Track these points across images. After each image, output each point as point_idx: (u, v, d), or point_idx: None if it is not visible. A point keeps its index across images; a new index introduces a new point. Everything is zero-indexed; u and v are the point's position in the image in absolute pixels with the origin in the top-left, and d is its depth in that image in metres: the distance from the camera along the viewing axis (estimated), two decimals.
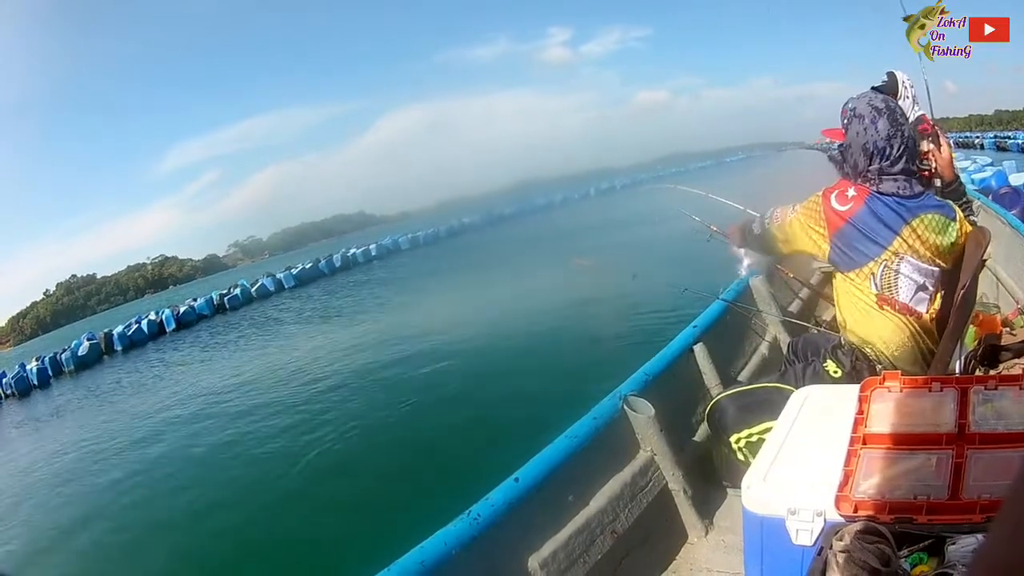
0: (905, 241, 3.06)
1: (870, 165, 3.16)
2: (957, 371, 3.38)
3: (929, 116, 5.37)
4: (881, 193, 3.12)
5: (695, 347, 4.44)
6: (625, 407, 3.60)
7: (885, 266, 3.08)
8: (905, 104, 5.35)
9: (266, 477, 10.91)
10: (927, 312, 3.14)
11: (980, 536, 1.63)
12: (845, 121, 3.30)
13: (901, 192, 3.12)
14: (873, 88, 5.27)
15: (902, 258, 3.07)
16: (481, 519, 2.71)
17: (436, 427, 10.83)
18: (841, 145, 3.36)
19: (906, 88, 5.38)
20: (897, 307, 3.09)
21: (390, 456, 10.21)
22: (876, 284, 3.11)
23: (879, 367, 3.10)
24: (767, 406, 3.19)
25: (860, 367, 3.17)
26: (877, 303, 3.12)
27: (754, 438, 3.35)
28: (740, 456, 3.44)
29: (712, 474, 3.86)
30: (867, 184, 3.17)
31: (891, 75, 5.28)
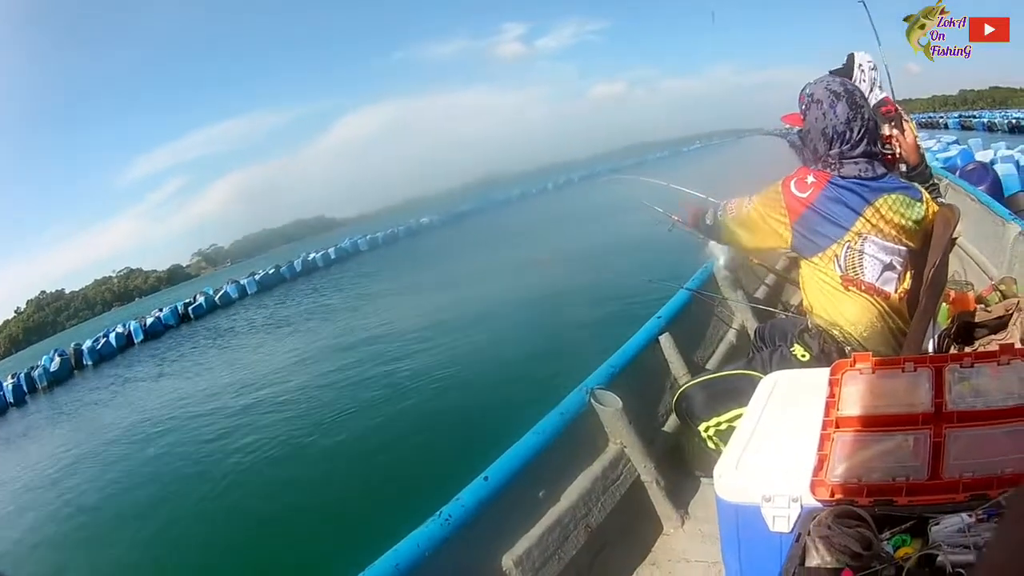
0: (868, 221, 3.04)
1: (830, 150, 3.14)
2: (931, 350, 3.38)
3: (891, 98, 5.39)
4: (843, 177, 3.09)
5: (661, 337, 4.46)
6: (592, 401, 3.61)
7: (848, 247, 3.06)
8: (862, 86, 5.37)
9: (233, 484, 10.95)
10: (896, 292, 3.12)
11: (965, 515, 1.60)
12: (803, 107, 3.28)
13: (863, 175, 3.09)
14: (831, 72, 5.28)
15: (865, 238, 3.05)
16: (452, 519, 2.71)
17: (401, 429, 10.85)
18: (800, 131, 3.35)
19: (863, 71, 5.39)
20: (863, 287, 3.08)
21: (357, 461, 10.20)
22: (840, 266, 3.08)
23: (848, 349, 3.08)
24: (735, 393, 3.22)
25: (828, 350, 3.15)
26: (842, 284, 3.10)
27: (723, 426, 3.35)
28: (711, 445, 3.43)
29: (684, 464, 3.88)
30: (828, 169, 3.14)
31: (850, 57, 5.32)
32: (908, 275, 3.17)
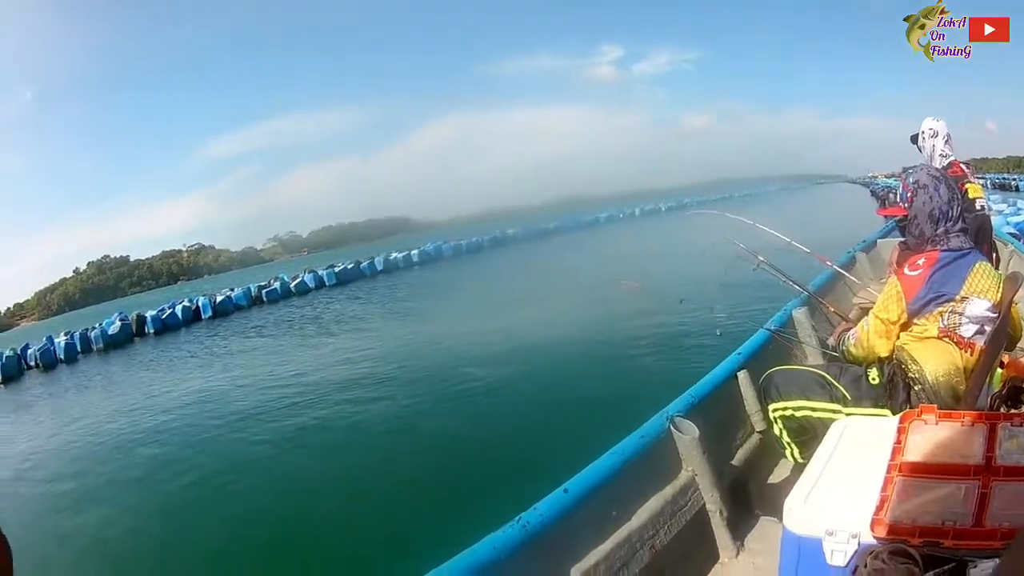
0: (971, 286, 3.33)
1: (937, 230, 3.50)
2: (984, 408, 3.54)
3: (958, 160, 5.57)
4: (949, 249, 3.44)
5: (739, 374, 4.56)
6: (671, 427, 3.71)
7: (952, 310, 3.33)
8: (926, 146, 5.60)
9: (311, 475, 10.82)
10: (978, 349, 3.35)
11: (999, 560, 1.77)
12: (909, 195, 3.61)
13: (964, 245, 3.46)
14: (910, 138, 5.55)
15: (968, 301, 3.32)
16: (530, 527, 2.80)
17: (480, 437, 10.56)
18: (901, 220, 3.73)
19: (924, 137, 5.59)
20: (955, 339, 3.33)
21: (435, 461, 9.92)
22: (944, 324, 3.35)
23: (916, 387, 3.36)
24: (805, 387, 3.72)
25: (897, 381, 3.44)
26: (939, 335, 3.36)
27: (788, 412, 3.77)
28: (775, 429, 3.85)
29: (747, 498, 3.98)
30: (936, 247, 3.48)
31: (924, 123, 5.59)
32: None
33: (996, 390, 3.21)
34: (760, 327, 5.25)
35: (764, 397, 3.94)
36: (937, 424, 2.39)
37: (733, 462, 4.23)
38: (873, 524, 2.05)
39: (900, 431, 2.41)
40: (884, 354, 3.58)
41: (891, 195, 3.90)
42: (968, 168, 5.71)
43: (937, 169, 3.70)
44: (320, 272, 55.25)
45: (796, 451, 3.79)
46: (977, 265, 3.40)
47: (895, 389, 3.43)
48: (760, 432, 4.41)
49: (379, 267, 58.93)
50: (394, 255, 62.75)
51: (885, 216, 4.22)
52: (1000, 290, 3.38)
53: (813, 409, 3.68)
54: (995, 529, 1.91)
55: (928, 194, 3.52)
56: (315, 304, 41.79)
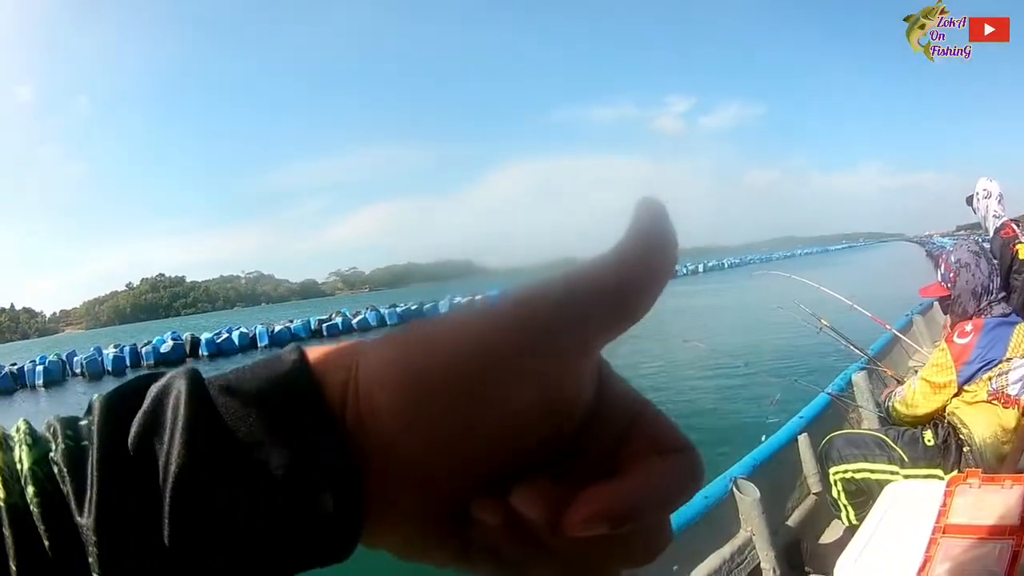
0: (1016, 348, 3.52)
1: (980, 304, 3.69)
2: None
3: (1009, 220, 5.64)
4: (994, 316, 3.64)
5: (799, 437, 4.62)
6: (734, 489, 3.82)
7: (1000, 372, 3.50)
8: (980, 207, 5.67)
9: None
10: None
11: None
12: (952, 275, 3.80)
13: (1006, 311, 3.67)
14: (966, 200, 5.64)
15: (1012, 362, 3.50)
16: None
17: None
18: (944, 299, 3.91)
19: (978, 198, 5.65)
20: (1003, 400, 3.48)
21: None
22: (992, 387, 3.52)
23: (965, 448, 3.52)
24: (866, 450, 3.80)
25: (950, 443, 3.59)
26: (988, 399, 3.52)
27: (848, 475, 3.83)
28: (834, 492, 3.91)
29: (799, 558, 4.04)
30: (981, 316, 3.67)
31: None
32: None
33: None
34: (821, 390, 5.32)
35: (825, 460, 4.00)
36: (980, 487, 2.54)
37: (788, 523, 4.30)
38: None
39: (947, 495, 2.55)
40: (925, 414, 3.76)
41: (943, 256, 4.03)
42: (1019, 227, 5.78)
43: (973, 242, 3.87)
44: (383, 310, 55.08)
45: (852, 513, 3.83)
46: (1020, 325, 3.60)
47: (948, 450, 3.57)
48: (815, 494, 4.47)
49: (444, 310, 57.44)
50: (458, 299, 61.62)
51: (926, 296, 4.33)
52: None
53: (872, 471, 3.75)
54: None
55: (971, 272, 3.71)
56: None
